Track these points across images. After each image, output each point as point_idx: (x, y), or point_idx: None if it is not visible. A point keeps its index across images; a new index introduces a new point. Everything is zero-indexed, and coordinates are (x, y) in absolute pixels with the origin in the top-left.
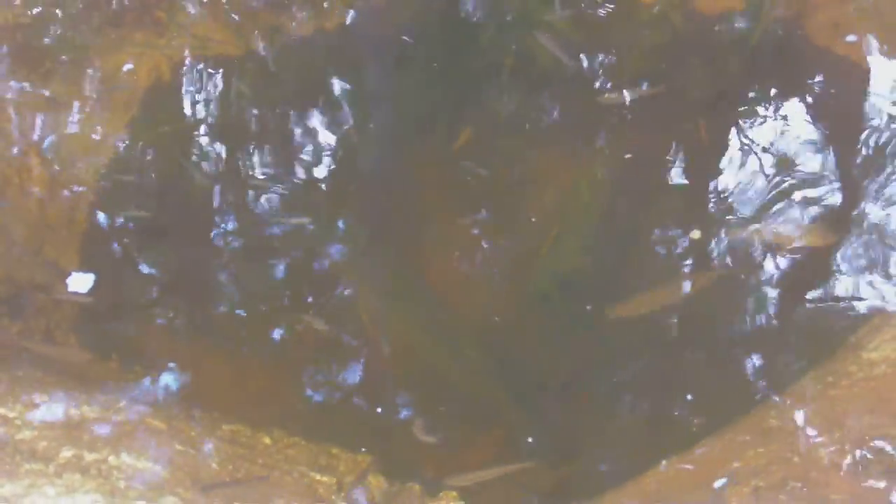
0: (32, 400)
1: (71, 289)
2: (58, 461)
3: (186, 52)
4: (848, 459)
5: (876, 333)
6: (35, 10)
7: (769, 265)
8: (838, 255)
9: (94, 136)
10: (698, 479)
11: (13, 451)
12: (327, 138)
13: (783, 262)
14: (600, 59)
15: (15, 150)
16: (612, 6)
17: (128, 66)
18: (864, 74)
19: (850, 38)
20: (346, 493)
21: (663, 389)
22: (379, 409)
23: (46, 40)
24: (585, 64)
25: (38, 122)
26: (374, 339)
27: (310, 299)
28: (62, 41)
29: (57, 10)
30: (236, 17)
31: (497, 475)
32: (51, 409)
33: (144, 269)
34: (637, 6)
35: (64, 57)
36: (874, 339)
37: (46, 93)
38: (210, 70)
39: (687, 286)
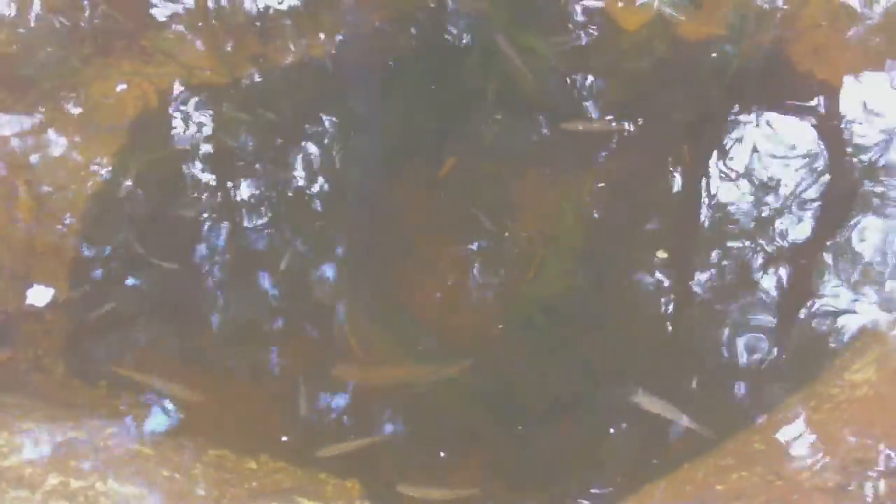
0: (19, 426)
1: (29, 302)
2: (44, 488)
3: (174, 81)
4: (830, 483)
5: (860, 355)
6: (22, 40)
7: (756, 284)
8: (823, 276)
9: (80, 163)
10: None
11: None
12: (314, 164)
13: (770, 281)
14: (583, 84)
15: (2, 178)
16: (595, 32)
17: (115, 95)
18: (844, 100)
19: (832, 63)
20: None
21: (647, 413)
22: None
23: (33, 69)
24: (568, 90)
25: (25, 150)
26: (360, 362)
27: (298, 322)
28: (49, 70)
29: (44, 40)
30: (223, 46)
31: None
32: (37, 435)
33: (131, 296)
34: (620, 32)
35: (51, 85)
36: (857, 360)
37: (33, 121)
38: (197, 98)
39: None
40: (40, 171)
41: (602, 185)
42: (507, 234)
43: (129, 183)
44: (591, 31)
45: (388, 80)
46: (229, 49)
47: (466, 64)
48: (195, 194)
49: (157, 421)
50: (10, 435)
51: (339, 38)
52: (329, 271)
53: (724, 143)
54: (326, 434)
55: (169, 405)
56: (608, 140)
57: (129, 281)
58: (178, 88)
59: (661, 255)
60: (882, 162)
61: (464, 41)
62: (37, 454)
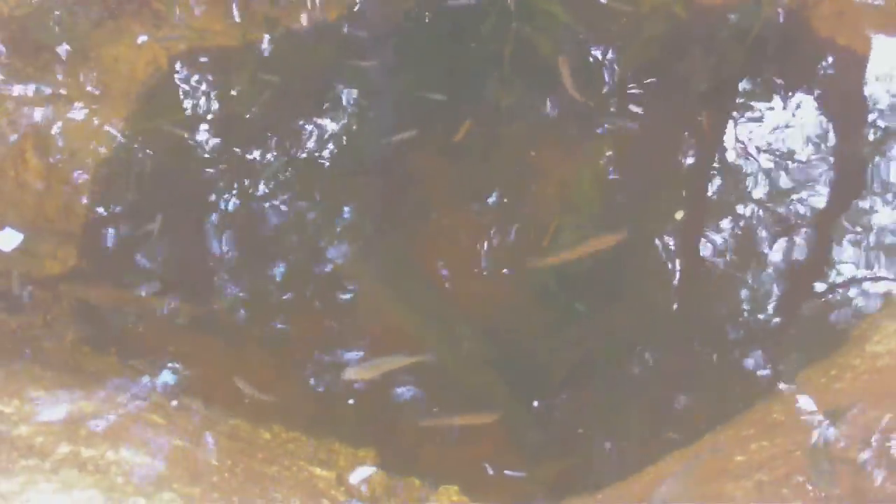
0: (29, 395)
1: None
2: (55, 457)
3: (185, 44)
4: (851, 453)
5: (880, 325)
6: (32, 3)
7: (775, 255)
8: (843, 246)
9: (91, 127)
10: (701, 474)
11: (10, 448)
12: (328, 130)
13: (789, 251)
14: (601, 49)
15: (11, 143)
16: None
17: (126, 58)
18: (867, 64)
19: (855, 29)
20: (345, 487)
21: (667, 383)
22: (380, 403)
23: (44, 32)
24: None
25: (35, 114)
26: (375, 331)
27: (313, 291)
28: (60, 33)
29: (54, 3)
30: (235, 9)
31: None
32: (48, 404)
33: (143, 261)
34: None
35: (62, 49)
36: (878, 331)
37: (44, 85)
38: (208, 61)
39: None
40: (50, 136)
41: (619, 152)
42: (522, 200)
43: (138, 147)
44: None
45: (404, 44)
46: (241, 12)
47: (481, 27)
48: (207, 159)
49: (170, 389)
50: (21, 403)
51: (352, 1)
52: (345, 238)
53: (743, 109)
54: (342, 404)
55: (182, 373)
56: (626, 105)
57: (141, 245)
58: (189, 52)
59: (678, 215)
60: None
61: (483, 6)
62: (47, 422)
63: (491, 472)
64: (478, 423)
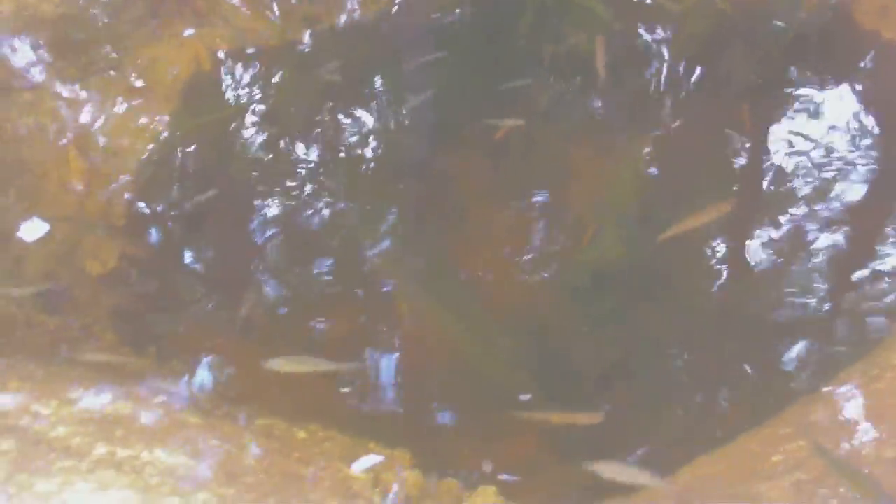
0: (67, 395)
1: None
2: (91, 457)
3: (226, 43)
4: (889, 454)
5: None
6: (72, 3)
7: (815, 252)
8: (884, 241)
9: (134, 127)
10: (736, 475)
11: (47, 449)
12: (367, 128)
13: (830, 249)
14: (644, 45)
15: (54, 143)
16: None
17: (167, 57)
18: None
19: None
20: (381, 488)
21: (703, 382)
22: (416, 403)
23: (86, 32)
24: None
25: (78, 114)
26: (412, 331)
27: (349, 291)
28: (102, 33)
29: (95, 3)
30: (275, 8)
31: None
32: (85, 404)
33: (183, 261)
34: None
35: (103, 48)
36: None
37: (86, 85)
38: (249, 60)
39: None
40: (93, 137)
41: (660, 149)
42: (561, 200)
43: (181, 146)
44: None
45: (442, 42)
46: (281, 11)
47: (520, 24)
48: (248, 157)
49: (207, 389)
50: (60, 404)
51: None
52: (382, 237)
53: (785, 105)
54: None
55: (219, 373)
56: (667, 103)
57: (182, 245)
58: (230, 51)
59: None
60: None
61: (520, 3)
62: (84, 423)
63: (527, 472)
64: (578, 422)
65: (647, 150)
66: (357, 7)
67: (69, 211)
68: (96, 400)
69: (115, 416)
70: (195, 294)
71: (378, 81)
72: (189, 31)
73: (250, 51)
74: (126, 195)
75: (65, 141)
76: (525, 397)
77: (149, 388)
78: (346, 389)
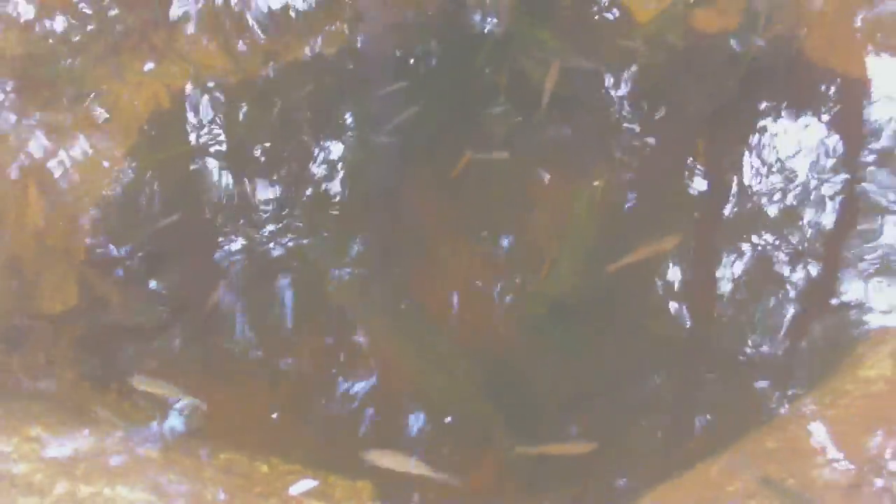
0: (29, 433)
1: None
2: (53, 495)
3: (187, 79)
4: (843, 481)
5: (874, 351)
6: (34, 41)
7: (771, 281)
8: (837, 272)
9: (93, 163)
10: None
11: (9, 485)
12: (329, 162)
13: (785, 277)
14: (599, 77)
15: (14, 180)
16: (610, 26)
17: (127, 94)
18: (860, 90)
19: (846, 54)
20: None
21: (662, 411)
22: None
23: (48, 70)
24: (581, 83)
25: (38, 151)
26: (375, 364)
27: (313, 324)
28: (63, 70)
29: (56, 41)
30: (234, 44)
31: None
32: (46, 441)
33: (144, 297)
34: (634, 25)
35: (63, 86)
36: (871, 356)
37: (46, 122)
38: (209, 96)
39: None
40: (53, 172)
41: (616, 180)
42: (519, 231)
43: (141, 182)
44: (605, 24)
45: (402, 78)
46: (241, 47)
47: (477, 59)
48: (209, 193)
49: (167, 425)
50: (21, 441)
51: (352, 35)
52: (346, 270)
53: (739, 136)
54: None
55: (179, 409)
56: (621, 134)
57: (141, 282)
58: (190, 87)
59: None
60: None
61: (477, 37)
62: (46, 460)
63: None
64: (573, 452)
65: (603, 180)
66: (319, 42)
67: (29, 247)
68: (58, 437)
69: (77, 453)
70: (157, 329)
71: (339, 115)
72: (149, 68)
73: (211, 86)
74: (87, 231)
75: (24, 177)
76: (486, 429)
77: (110, 425)
78: (308, 423)
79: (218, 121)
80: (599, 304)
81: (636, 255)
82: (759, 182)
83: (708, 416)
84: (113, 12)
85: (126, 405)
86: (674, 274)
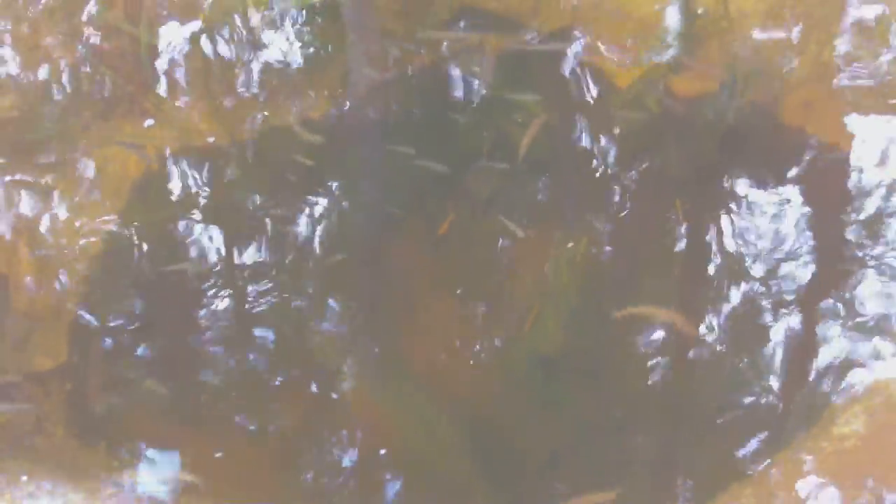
0: (19, 491)
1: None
2: None
3: (175, 142)
4: None
5: (846, 407)
6: (25, 104)
7: (751, 337)
8: (814, 331)
9: (83, 226)
10: None
11: None
12: (315, 222)
13: (765, 334)
14: (579, 140)
15: (4, 240)
16: (588, 90)
17: (117, 157)
18: (836, 154)
19: (822, 118)
20: None
21: (647, 466)
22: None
23: (37, 134)
24: (563, 145)
25: (28, 212)
26: (359, 421)
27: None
28: (53, 134)
29: (47, 104)
30: (221, 108)
31: None
32: (38, 497)
33: (133, 355)
34: (613, 89)
35: (54, 150)
36: (845, 412)
37: (37, 185)
38: (197, 159)
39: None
40: (42, 233)
41: (597, 239)
42: (503, 290)
43: (131, 244)
44: (584, 88)
45: (387, 140)
46: (229, 110)
47: (460, 123)
48: (196, 254)
49: (156, 482)
50: (12, 498)
51: (337, 98)
52: (330, 328)
53: (718, 198)
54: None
55: (168, 467)
56: (602, 195)
57: (130, 342)
58: (178, 150)
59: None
60: (874, 215)
61: (460, 100)
62: None
63: None
64: (596, 501)
65: (584, 239)
66: (305, 105)
67: (20, 306)
68: (49, 494)
69: None
70: (145, 386)
71: (326, 176)
72: (138, 132)
73: (199, 149)
74: (76, 291)
75: (14, 237)
76: (469, 486)
77: (98, 481)
78: (293, 479)
79: (205, 182)
80: (581, 360)
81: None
82: (738, 242)
83: (687, 473)
84: (104, 77)
85: (115, 462)
86: (656, 331)
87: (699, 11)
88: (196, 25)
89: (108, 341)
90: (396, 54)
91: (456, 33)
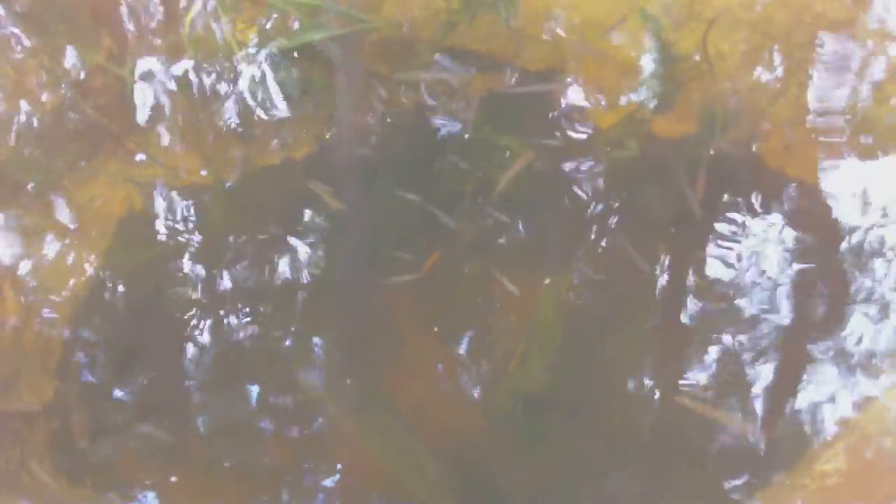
0: None
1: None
2: None
3: (159, 181)
4: None
5: (829, 445)
6: (9, 144)
7: (738, 377)
8: (797, 370)
9: (68, 264)
10: None
11: None
12: (300, 261)
13: (751, 374)
14: (563, 181)
15: None
16: (571, 132)
17: (101, 196)
18: (816, 196)
19: (802, 160)
20: None
21: None
22: None
23: (22, 173)
24: (545, 187)
25: (13, 252)
26: (345, 460)
27: (283, 419)
28: (38, 174)
29: (32, 144)
30: (206, 148)
31: None
32: None
33: (118, 395)
34: (595, 130)
35: (38, 189)
36: (827, 451)
37: (22, 224)
38: (181, 198)
39: None
40: (28, 273)
41: (581, 279)
42: (488, 329)
43: (115, 284)
44: (566, 129)
45: (371, 181)
46: (213, 151)
47: (444, 164)
48: (180, 293)
49: None
50: None
51: (320, 141)
52: (315, 366)
53: (700, 239)
54: None
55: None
56: (586, 235)
57: (115, 381)
58: (163, 190)
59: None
60: (855, 255)
61: (443, 142)
62: None
63: None
64: None
65: (568, 280)
66: (287, 148)
67: (5, 345)
68: None
69: None
70: (131, 426)
71: (309, 215)
72: (122, 171)
73: (182, 189)
74: (61, 330)
75: (0, 278)
76: None
77: None
78: None
79: (190, 222)
80: (568, 399)
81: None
82: (719, 283)
83: None
84: (89, 116)
85: (102, 501)
86: (640, 371)
87: (679, 54)
88: (182, 65)
89: (94, 380)
90: (382, 95)
91: (438, 73)
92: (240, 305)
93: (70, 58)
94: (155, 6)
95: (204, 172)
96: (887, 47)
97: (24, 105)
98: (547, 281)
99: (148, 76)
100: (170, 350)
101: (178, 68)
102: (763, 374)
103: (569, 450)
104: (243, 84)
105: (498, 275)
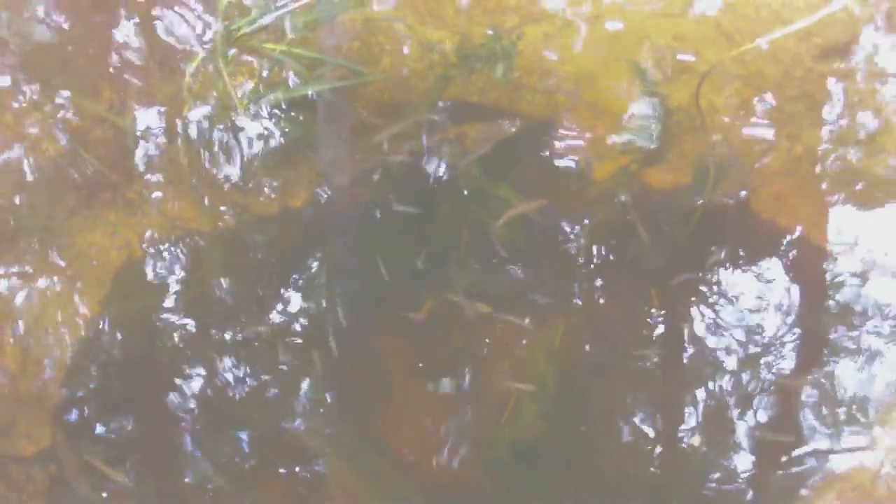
0: None
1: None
2: None
3: (157, 230)
4: None
5: (820, 495)
6: (8, 193)
7: (731, 425)
8: (790, 419)
9: (65, 312)
10: None
11: None
12: (294, 309)
13: (745, 421)
14: (555, 231)
15: None
16: (565, 183)
17: (99, 245)
18: (808, 246)
19: (793, 211)
20: None
21: None
22: None
23: (20, 222)
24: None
25: (11, 300)
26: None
27: (277, 465)
28: (36, 222)
29: (31, 193)
30: (204, 197)
31: None
32: None
33: (113, 443)
34: (589, 181)
35: (37, 237)
36: (818, 500)
37: (21, 271)
38: (179, 247)
39: None
40: (26, 320)
41: (574, 328)
42: (481, 377)
43: (112, 331)
44: (561, 179)
45: (367, 230)
46: (210, 200)
47: (439, 213)
48: (177, 341)
49: None
50: None
51: (316, 190)
52: (309, 413)
53: (691, 288)
54: None
55: None
56: (579, 286)
57: (111, 427)
58: (161, 238)
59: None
60: (844, 306)
61: (439, 191)
62: None
63: None
64: None
65: (562, 327)
66: (284, 197)
67: (4, 392)
68: None
69: None
70: (126, 473)
71: (305, 264)
72: (121, 220)
73: (180, 238)
74: (58, 378)
75: None
76: None
77: None
78: None
79: (187, 270)
80: (561, 447)
81: None
82: (712, 331)
83: None
84: (88, 166)
85: None
86: (632, 418)
87: (672, 106)
88: (180, 116)
89: (88, 427)
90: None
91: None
92: (234, 354)
93: (71, 108)
94: (155, 58)
95: (201, 221)
96: (877, 99)
97: (23, 153)
98: (546, 331)
99: (147, 126)
100: (163, 398)
101: (176, 118)
102: (755, 420)
103: (562, 499)
104: (241, 134)
105: (502, 315)
